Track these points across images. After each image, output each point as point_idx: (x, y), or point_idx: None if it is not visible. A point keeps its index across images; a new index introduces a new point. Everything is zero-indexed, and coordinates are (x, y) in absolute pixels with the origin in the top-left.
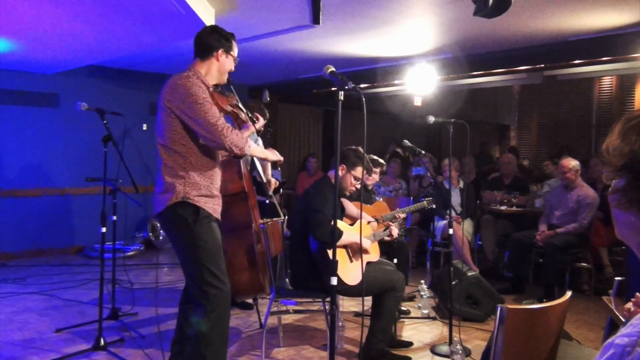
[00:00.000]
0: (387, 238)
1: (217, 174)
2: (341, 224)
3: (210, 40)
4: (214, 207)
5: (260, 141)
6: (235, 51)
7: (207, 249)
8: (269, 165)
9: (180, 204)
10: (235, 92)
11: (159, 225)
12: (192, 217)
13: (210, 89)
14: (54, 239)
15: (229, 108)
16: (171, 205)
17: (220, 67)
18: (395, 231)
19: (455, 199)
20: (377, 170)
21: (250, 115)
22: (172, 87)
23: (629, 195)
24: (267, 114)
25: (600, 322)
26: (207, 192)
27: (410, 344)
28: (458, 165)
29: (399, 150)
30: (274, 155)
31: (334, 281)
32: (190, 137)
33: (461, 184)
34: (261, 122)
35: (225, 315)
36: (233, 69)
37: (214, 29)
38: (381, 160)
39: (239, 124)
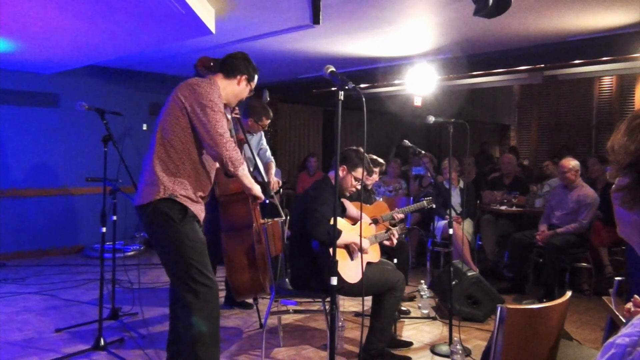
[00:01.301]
0: (386, 242)
1: (206, 184)
2: (342, 223)
3: (240, 64)
4: (197, 211)
5: (264, 140)
6: (254, 83)
7: (194, 248)
8: (273, 165)
9: (166, 201)
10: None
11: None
12: (179, 216)
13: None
14: (54, 239)
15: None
16: (157, 200)
17: (237, 91)
18: (395, 236)
19: (456, 198)
20: (377, 170)
21: (236, 143)
22: (192, 87)
23: (634, 194)
24: (271, 114)
25: (600, 322)
26: (192, 195)
27: (410, 343)
28: (458, 165)
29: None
30: (258, 191)
31: (334, 281)
32: (192, 136)
33: (461, 184)
34: (245, 149)
35: (215, 313)
36: (244, 98)
37: (246, 57)
38: (381, 160)
39: None
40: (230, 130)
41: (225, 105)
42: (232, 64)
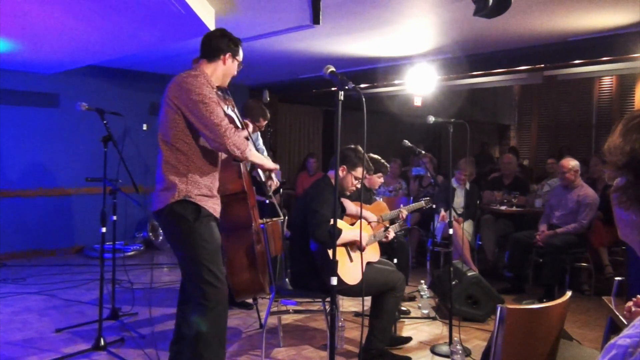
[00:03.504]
0: (382, 239)
1: (217, 175)
2: (341, 223)
3: (220, 44)
4: (213, 206)
5: (260, 140)
6: (240, 56)
7: (207, 248)
8: None
9: (181, 202)
10: (231, 96)
11: (157, 223)
12: (193, 216)
13: (214, 89)
14: (54, 239)
15: (224, 110)
16: (172, 203)
17: (225, 70)
18: (391, 234)
19: (461, 199)
20: (381, 175)
21: (241, 121)
22: (180, 84)
23: (629, 194)
24: (268, 114)
25: (600, 322)
26: (207, 191)
27: (409, 339)
28: (473, 164)
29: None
30: (270, 163)
31: (334, 281)
32: (193, 136)
33: (467, 185)
34: (250, 129)
35: (223, 315)
36: (236, 73)
37: (224, 33)
38: (386, 164)
39: None
40: (229, 116)
41: (219, 88)
42: (211, 47)
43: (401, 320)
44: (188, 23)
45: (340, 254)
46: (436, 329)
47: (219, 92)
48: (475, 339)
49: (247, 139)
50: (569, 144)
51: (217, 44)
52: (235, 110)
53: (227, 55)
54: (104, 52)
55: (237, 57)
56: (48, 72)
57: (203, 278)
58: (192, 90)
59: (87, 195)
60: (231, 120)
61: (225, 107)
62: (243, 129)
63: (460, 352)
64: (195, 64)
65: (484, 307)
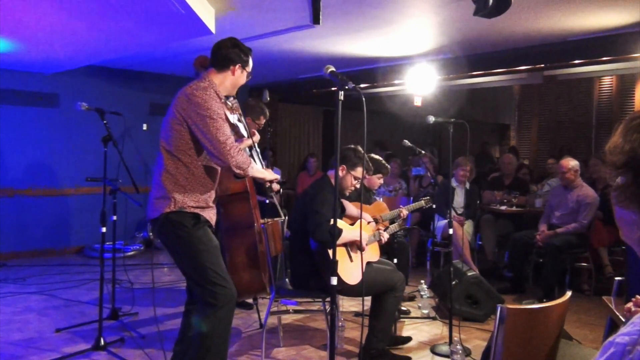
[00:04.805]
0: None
1: (214, 187)
2: (341, 223)
3: (230, 54)
4: (209, 215)
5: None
6: (250, 67)
7: (208, 251)
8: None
9: (176, 212)
10: (238, 103)
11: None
12: (192, 222)
13: (222, 100)
14: (54, 239)
15: (231, 120)
16: (167, 213)
17: (234, 81)
18: (385, 237)
19: (461, 197)
20: (381, 176)
21: (247, 129)
22: (189, 97)
23: (628, 192)
24: (268, 113)
25: (600, 322)
26: (204, 204)
27: (409, 339)
28: (472, 164)
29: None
30: (271, 175)
31: (334, 281)
32: (196, 149)
33: (467, 185)
34: (256, 138)
35: (231, 313)
36: (244, 82)
37: (235, 43)
38: (387, 164)
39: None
40: (234, 125)
41: (227, 97)
42: (222, 57)
43: (401, 320)
44: (188, 23)
45: (340, 254)
46: (436, 329)
47: (227, 102)
48: (475, 339)
49: (251, 147)
50: (569, 144)
51: (228, 54)
52: (242, 118)
53: (237, 66)
54: (104, 52)
55: (246, 68)
56: (48, 72)
57: (210, 280)
58: (200, 105)
59: (87, 195)
60: (237, 130)
61: (231, 117)
62: (249, 137)
63: (460, 352)
64: (199, 68)
65: (484, 307)
